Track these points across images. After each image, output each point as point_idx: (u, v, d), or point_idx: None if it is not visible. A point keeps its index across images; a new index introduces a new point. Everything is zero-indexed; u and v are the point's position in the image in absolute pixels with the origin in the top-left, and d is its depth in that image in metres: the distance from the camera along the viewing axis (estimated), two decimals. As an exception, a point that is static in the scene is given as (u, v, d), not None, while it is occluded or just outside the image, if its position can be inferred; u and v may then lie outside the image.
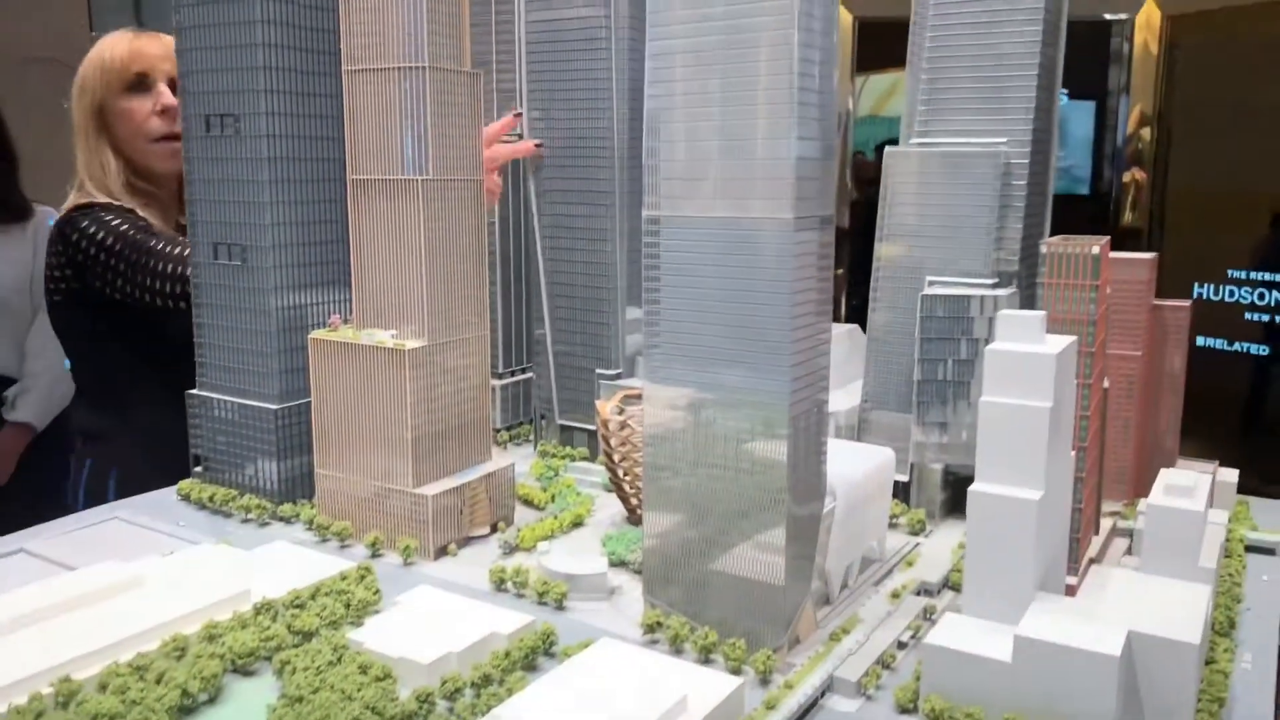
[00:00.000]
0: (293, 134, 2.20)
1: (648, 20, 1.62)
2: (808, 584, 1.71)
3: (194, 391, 2.38)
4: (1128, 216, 5.24)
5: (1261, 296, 4.86)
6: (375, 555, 2.06)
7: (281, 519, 2.25)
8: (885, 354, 2.36)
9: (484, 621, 1.66)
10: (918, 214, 2.30)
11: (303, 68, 2.20)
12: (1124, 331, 2.31)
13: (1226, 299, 4.85)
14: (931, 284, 2.26)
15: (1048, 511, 1.56)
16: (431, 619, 1.67)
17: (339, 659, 1.53)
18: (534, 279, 2.76)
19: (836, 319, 2.36)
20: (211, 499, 2.30)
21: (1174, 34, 4.57)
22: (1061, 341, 1.63)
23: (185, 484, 2.39)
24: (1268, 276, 4.52)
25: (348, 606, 1.72)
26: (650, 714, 1.34)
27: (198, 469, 2.42)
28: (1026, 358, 1.54)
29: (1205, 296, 4.71)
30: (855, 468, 1.92)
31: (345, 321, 2.18)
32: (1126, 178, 4.92)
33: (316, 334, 2.14)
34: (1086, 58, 5.04)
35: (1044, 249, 1.85)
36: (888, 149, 2.33)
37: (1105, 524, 2.20)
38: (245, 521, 2.25)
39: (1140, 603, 1.56)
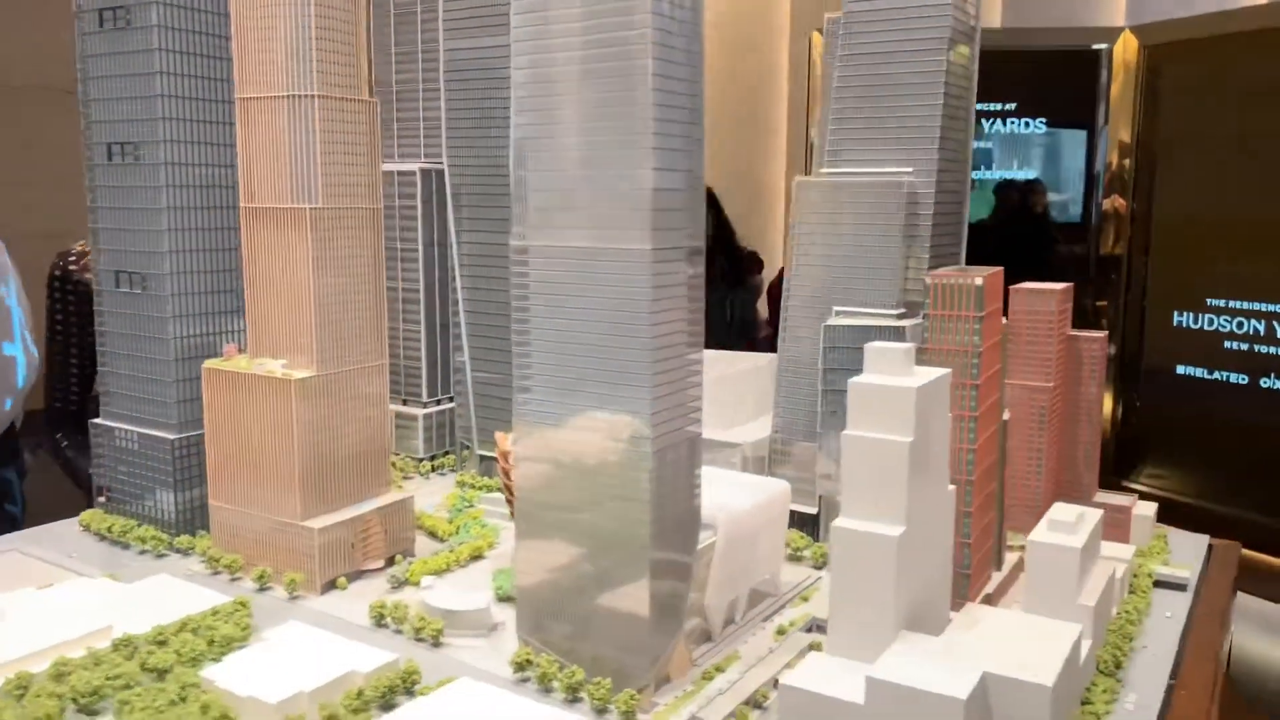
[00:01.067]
0: (191, 162, 2.19)
1: (512, 49, 1.61)
2: (679, 621, 1.67)
3: (98, 420, 2.36)
4: (1109, 245, 5.22)
5: (1240, 325, 4.83)
6: (263, 589, 2.03)
7: (178, 550, 2.22)
8: (795, 384, 2.33)
9: (345, 659, 1.62)
10: (825, 243, 2.28)
11: (202, 95, 2.19)
12: (1034, 363, 2.29)
13: (1205, 327, 4.83)
14: (837, 314, 2.24)
15: (914, 548, 1.53)
16: (293, 656, 1.63)
17: (183, 698, 1.50)
18: (455, 308, 2.74)
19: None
20: (110, 530, 2.27)
21: (1152, 63, 4.58)
22: (932, 374, 1.60)
23: (87, 515, 2.36)
24: (1246, 305, 4.50)
25: (210, 643, 1.69)
26: (484, 758, 1.30)
27: (101, 499, 2.39)
28: (888, 391, 1.52)
29: (1185, 325, 4.69)
30: (742, 500, 1.89)
31: (241, 351, 2.16)
32: (1107, 205, 4.91)
33: (210, 363, 2.12)
34: (1076, 87, 5.07)
35: (928, 280, 1.83)
36: (796, 179, 2.32)
37: (1011, 558, 2.17)
38: (142, 553, 2.22)
39: (1006, 642, 1.52)
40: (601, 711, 1.58)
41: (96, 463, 2.37)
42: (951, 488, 1.70)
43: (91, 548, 2.26)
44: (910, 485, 1.51)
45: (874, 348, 1.59)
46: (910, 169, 2.22)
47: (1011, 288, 2.29)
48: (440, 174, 2.77)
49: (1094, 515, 1.82)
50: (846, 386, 2.17)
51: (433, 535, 2.32)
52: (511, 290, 1.66)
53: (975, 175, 6.09)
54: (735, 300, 7.47)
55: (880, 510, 1.51)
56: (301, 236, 1.99)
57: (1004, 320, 2.01)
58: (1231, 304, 4.54)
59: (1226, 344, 4.45)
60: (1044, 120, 5.88)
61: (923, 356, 1.83)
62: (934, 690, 1.35)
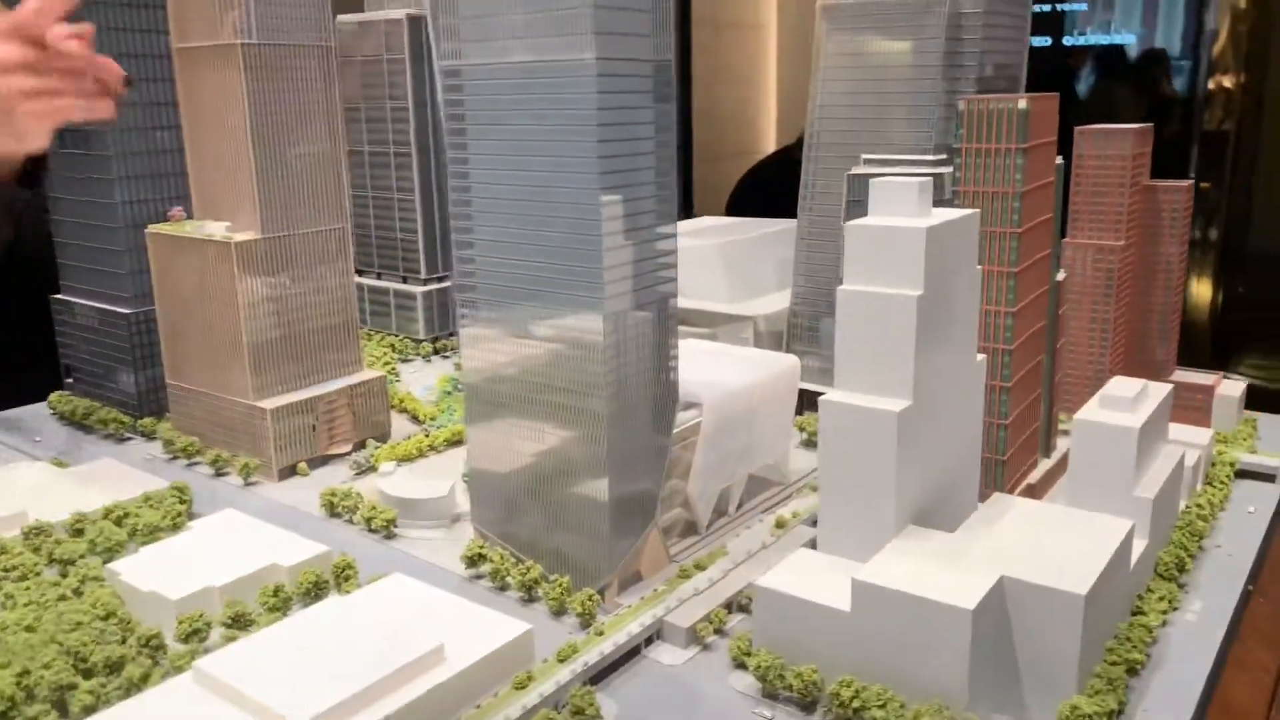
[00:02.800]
0: (128, 2, 1.94)
1: None
2: (650, 513, 1.43)
3: (58, 296, 2.19)
4: (1216, 120, 4.69)
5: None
6: (219, 474, 1.86)
7: (142, 434, 2.06)
8: (817, 249, 2.03)
9: (271, 552, 1.43)
10: (852, 77, 1.94)
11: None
12: (1102, 217, 1.93)
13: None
14: (865, 161, 1.91)
15: (924, 426, 1.25)
16: (215, 548, 1.45)
17: (78, 592, 1.33)
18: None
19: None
20: (74, 413, 2.12)
21: None
22: (952, 214, 1.29)
23: (55, 396, 2.22)
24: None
25: (133, 532, 1.52)
26: (385, 667, 1.10)
27: (68, 380, 2.24)
28: (892, 234, 1.22)
29: None
30: (737, 376, 1.62)
31: (189, 216, 1.94)
32: (1212, 84, 4.39)
33: (154, 228, 1.91)
34: None
35: (961, 105, 1.50)
36: (819, 2, 1.97)
37: (1064, 444, 1.87)
38: (106, 437, 2.07)
39: (1036, 541, 1.24)
40: (558, 613, 1.37)
41: (61, 341, 2.22)
42: (981, 357, 1.40)
43: (56, 431, 2.12)
44: (919, 350, 1.22)
45: (880, 182, 1.29)
46: (954, -16, 1.85)
47: (1077, 129, 1.93)
48: (425, 21, 2.48)
49: (1160, 391, 1.51)
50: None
51: (414, 419, 2.12)
52: (445, 124, 1.39)
53: (1069, 40, 5.52)
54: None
55: (881, 381, 1.23)
56: (235, 78, 1.74)
57: (1059, 161, 1.66)
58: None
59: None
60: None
61: (952, 200, 1.52)
62: (934, 598, 1.09)
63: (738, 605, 1.39)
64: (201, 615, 1.27)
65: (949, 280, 1.27)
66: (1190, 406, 1.97)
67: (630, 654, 1.29)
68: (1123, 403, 1.43)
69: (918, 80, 1.86)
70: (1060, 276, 1.72)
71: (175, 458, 1.94)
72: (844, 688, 1.12)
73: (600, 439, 1.34)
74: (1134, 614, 1.32)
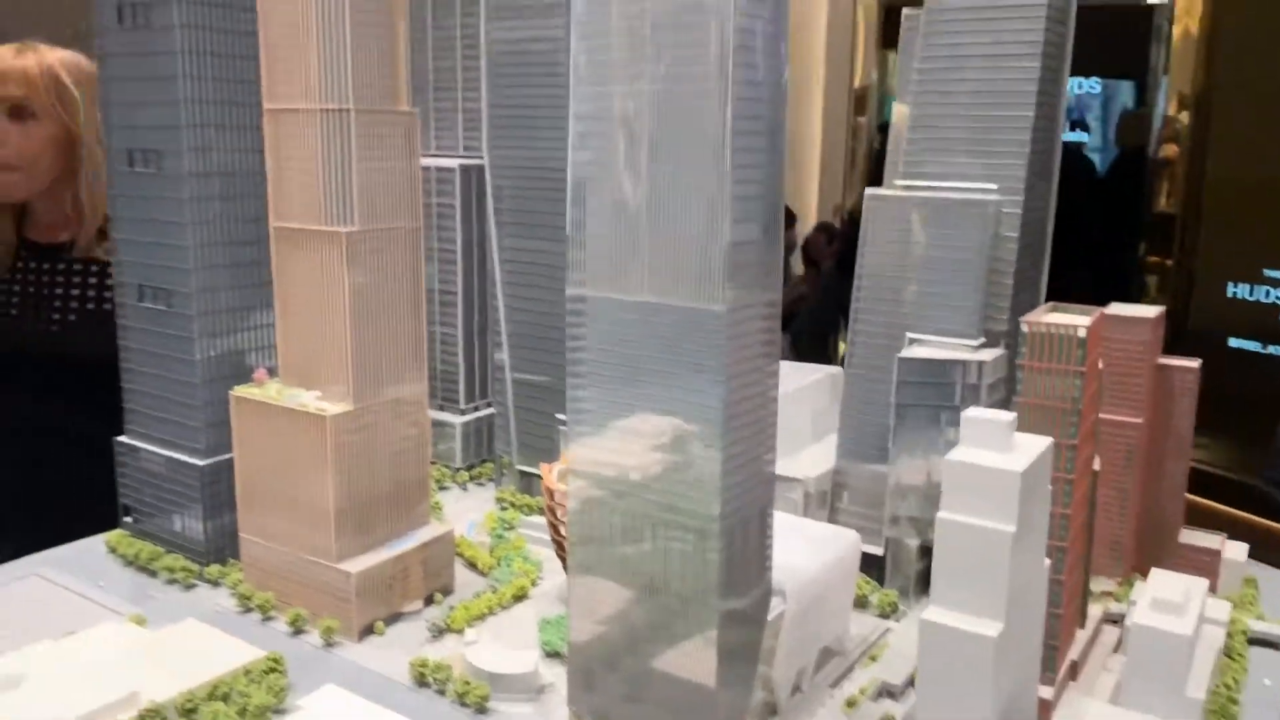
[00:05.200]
0: (219, 171, 2.04)
1: (571, 77, 1.43)
2: (746, 698, 1.54)
3: (122, 439, 2.24)
4: (1162, 202, 5.02)
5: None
6: (297, 633, 1.92)
7: (208, 581, 2.11)
8: (863, 415, 2.17)
9: (386, 738, 1.51)
10: (898, 263, 2.10)
11: (229, 98, 2.03)
12: (1124, 397, 2.11)
13: (1262, 299, 4.62)
14: (912, 342, 2.07)
15: (1011, 641, 1.38)
16: (330, 733, 1.52)
17: (214, 790, 1.39)
18: (495, 310, 2.59)
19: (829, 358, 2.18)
20: (138, 556, 2.17)
21: (1217, 15, 4.33)
22: (1034, 448, 1.44)
23: (113, 536, 2.26)
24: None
25: (243, 713, 1.58)
26: None
27: (127, 519, 2.28)
28: (989, 474, 1.36)
29: (1240, 296, 4.48)
30: (812, 559, 1.75)
31: (272, 375, 2.02)
32: (1162, 153, 4.72)
33: (239, 390, 1.99)
34: (1127, 38, 4.85)
35: (1025, 328, 1.66)
36: (868, 190, 2.14)
37: (1094, 611, 2.02)
38: (170, 583, 2.12)
39: (1112, 751, 1.38)
40: (661, 801, 1.46)
41: (121, 481, 2.26)
42: (1046, 561, 1.55)
43: (118, 575, 2.16)
44: (1011, 576, 1.36)
45: (972, 417, 1.43)
46: (995, 186, 2.03)
47: (1103, 312, 2.11)
48: (480, 170, 2.60)
49: (1200, 588, 1.67)
50: (921, 424, 2.03)
51: (472, 566, 2.20)
52: (566, 342, 1.51)
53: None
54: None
55: (977, 603, 1.36)
56: (337, 262, 1.84)
57: (1101, 363, 1.83)
58: (1290, 274, 4.34)
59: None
60: (1096, 79, 5.62)
61: (1014, 408, 1.67)
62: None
63: (826, 793, 1.50)
64: (340, 817, 1.34)
65: (1032, 508, 1.41)
66: (1198, 567, 2.14)
67: None
68: (1172, 606, 1.58)
69: (962, 273, 2.02)
70: (1097, 466, 1.88)
71: (249, 610, 1.99)
72: None
73: (709, 644, 1.44)
74: (1190, 808, 1.46)
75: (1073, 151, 5.70)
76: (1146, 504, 2.21)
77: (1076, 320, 1.65)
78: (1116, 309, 2.14)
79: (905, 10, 2.19)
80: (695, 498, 1.41)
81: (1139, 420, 2.08)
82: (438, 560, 2.06)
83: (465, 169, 2.64)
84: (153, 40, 1.98)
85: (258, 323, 2.14)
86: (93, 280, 2.53)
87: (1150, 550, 2.23)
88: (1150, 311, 2.12)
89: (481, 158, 2.58)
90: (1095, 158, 5.47)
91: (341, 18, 1.76)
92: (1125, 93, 5.53)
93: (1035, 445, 1.45)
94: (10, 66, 2.42)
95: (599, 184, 1.43)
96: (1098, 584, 2.12)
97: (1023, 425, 1.65)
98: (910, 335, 2.08)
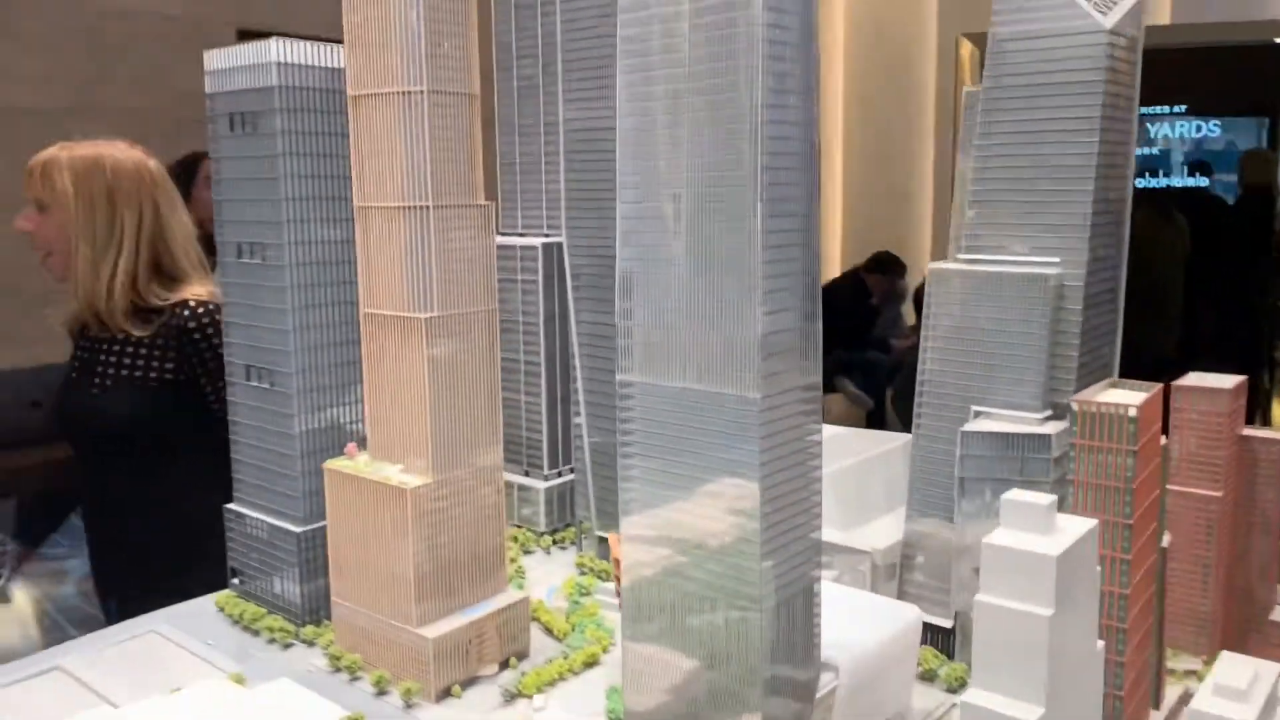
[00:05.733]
0: (316, 261, 2.22)
1: (618, 177, 1.54)
2: (796, 777, 1.58)
3: (231, 506, 2.43)
4: None
5: None
6: (380, 693, 2.04)
7: (304, 641, 2.26)
8: (930, 487, 2.18)
9: (450, 800, 1.60)
10: (963, 337, 2.12)
11: (326, 194, 2.22)
12: (1201, 470, 2.06)
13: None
14: (976, 415, 2.08)
15: (1055, 727, 1.38)
16: (400, 792, 1.62)
17: (290, 844, 1.50)
18: (574, 382, 2.71)
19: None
20: (242, 616, 2.34)
21: None
22: (1077, 529, 1.45)
23: (222, 597, 2.44)
24: None
25: (323, 771, 1.70)
26: None
27: (234, 580, 2.46)
28: (1025, 557, 1.37)
29: None
30: (868, 634, 1.77)
31: (362, 448, 2.17)
32: None
33: (331, 463, 2.14)
34: (1254, 76, 4.75)
35: (1075, 407, 1.66)
36: (930, 266, 2.17)
37: (1174, 691, 1.96)
38: (270, 642, 2.28)
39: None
40: None
41: (230, 545, 2.45)
42: (1101, 643, 1.54)
43: (225, 634, 2.33)
44: (1051, 658, 1.36)
45: (1011, 501, 1.45)
46: (1057, 259, 2.03)
47: (1174, 384, 2.08)
48: (560, 248, 2.73)
49: (1270, 673, 1.62)
50: (985, 498, 2.03)
51: (548, 632, 2.29)
52: (618, 424, 1.59)
53: (1143, 184, 5.72)
54: (884, 307, 7.30)
55: (1017, 686, 1.37)
56: (417, 345, 1.98)
57: (1163, 438, 1.81)
58: None
59: None
60: (1216, 121, 5.46)
61: (1069, 489, 1.67)
62: None
63: None
64: None
65: (1075, 589, 1.42)
66: (1293, 646, 2.06)
67: None
68: (1235, 692, 1.54)
69: (1025, 347, 2.03)
70: (1165, 542, 1.85)
71: (338, 670, 2.13)
72: None
73: (756, 711, 1.49)
74: None
75: (1196, 196, 5.55)
76: (1233, 580, 2.14)
77: (1129, 399, 1.64)
78: (1194, 379, 2.11)
79: (966, 88, 2.23)
80: (737, 576, 1.47)
81: (1218, 494, 2.03)
82: (513, 626, 2.15)
83: (547, 247, 2.78)
84: (258, 145, 2.19)
85: (352, 399, 2.30)
86: (129, 352, 2.73)
87: (1240, 629, 2.16)
88: (1229, 382, 2.08)
89: (561, 235, 2.71)
90: (1220, 201, 5.32)
91: (422, 127, 1.92)
92: (1251, 132, 5.37)
93: (1078, 527, 1.45)
94: (34, 166, 2.71)
95: (643, 278, 1.52)
96: (1181, 662, 2.06)
97: (1077, 503, 1.66)
98: (975, 408, 2.09)
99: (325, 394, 2.27)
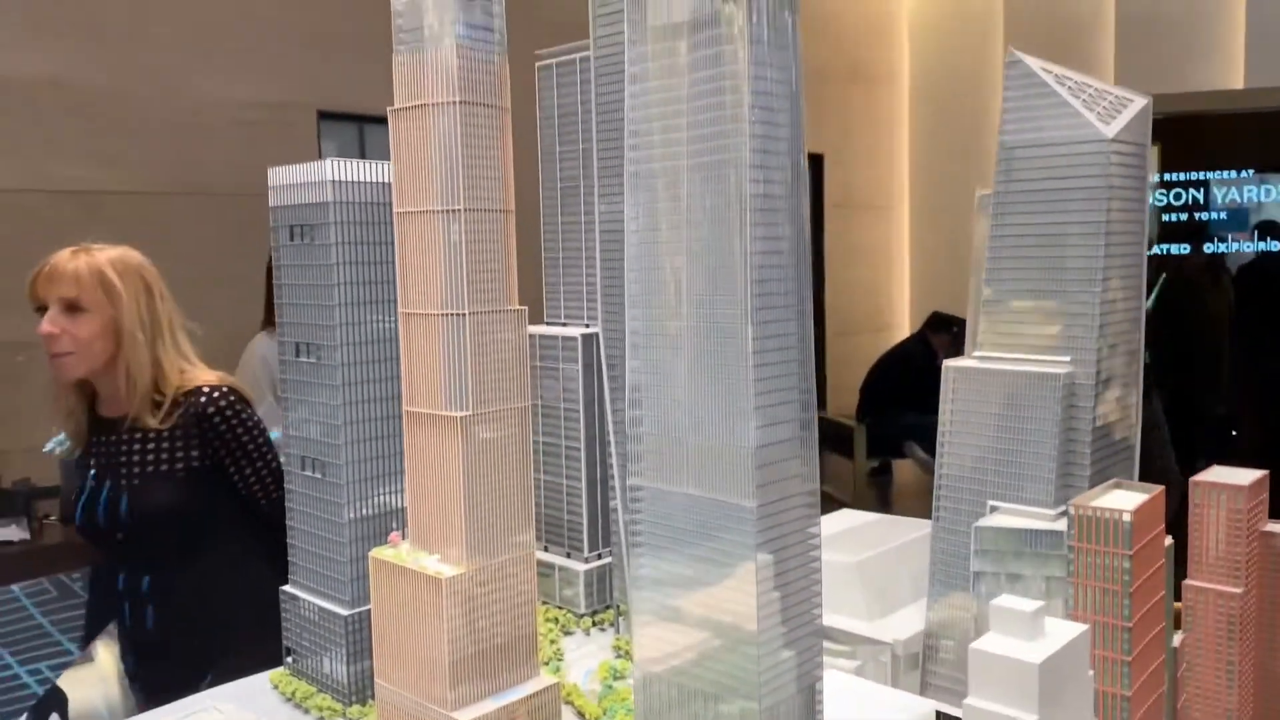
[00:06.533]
0: (366, 360, 2.39)
1: (626, 290, 1.66)
2: None
3: (286, 588, 2.59)
4: None
5: None
6: (416, 773, 2.14)
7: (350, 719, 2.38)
8: (949, 580, 2.23)
9: None
10: (978, 432, 2.18)
11: (376, 298, 2.40)
12: (1220, 566, 2.07)
13: None
14: (992, 510, 2.13)
15: (1045, 831, 1.42)
16: None
17: None
18: (610, 468, 2.82)
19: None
20: (294, 694, 2.47)
21: None
22: (1064, 635, 1.50)
23: (276, 674, 2.58)
24: None
25: None
26: None
27: (288, 659, 2.61)
28: (1009, 663, 1.43)
29: None
30: (877, 730, 1.82)
31: (404, 538, 2.31)
32: None
33: (375, 552, 2.28)
34: None
35: (1071, 511, 1.72)
36: (946, 363, 2.24)
37: (1195, 794, 1.96)
38: None
39: None
40: None
41: (285, 625, 2.60)
42: (1098, 747, 1.57)
43: (278, 711, 2.47)
44: (1038, 764, 1.41)
45: (999, 607, 1.51)
46: (1068, 358, 2.09)
47: (1192, 480, 2.11)
48: (597, 338, 2.87)
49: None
50: (1000, 591, 2.08)
51: (581, 716, 2.37)
52: (628, 526, 1.70)
53: (1211, 248, 5.68)
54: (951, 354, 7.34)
55: (1004, 790, 1.42)
56: (453, 442, 2.12)
57: (1169, 539, 1.84)
58: None
59: None
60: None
61: (1068, 591, 1.72)
62: None
63: None
64: None
65: (1063, 693, 1.46)
66: (1327, 747, 2.03)
67: None
68: (1237, 799, 1.55)
69: (1037, 444, 2.08)
70: (1177, 642, 1.87)
71: (379, 750, 2.24)
72: None
73: (755, 813, 1.55)
74: None
75: (1269, 262, 5.48)
76: (1261, 679, 2.13)
77: (1125, 503, 1.69)
78: (1214, 474, 2.14)
79: (979, 191, 2.32)
80: (736, 674, 1.55)
81: (1238, 590, 2.04)
82: (544, 711, 2.24)
83: (586, 337, 2.92)
84: (315, 254, 2.38)
85: (398, 489, 2.45)
86: (150, 446, 2.91)
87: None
88: (1246, 477, 2.10)
89: (597, 328, 2.85)
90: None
91: (460, 241, 2.07)
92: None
93: (1067, 632, 1.50)
94: (65, 270, 2.89)
95: (650, 389, 1.64)
96: (1206, 761, 2.06)
97: (1078, 603, 1.70)
98: (991, 503, 2.14)
99: (373, 484, 2.42)
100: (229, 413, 2.86)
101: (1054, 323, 2.12)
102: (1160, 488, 1.80)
